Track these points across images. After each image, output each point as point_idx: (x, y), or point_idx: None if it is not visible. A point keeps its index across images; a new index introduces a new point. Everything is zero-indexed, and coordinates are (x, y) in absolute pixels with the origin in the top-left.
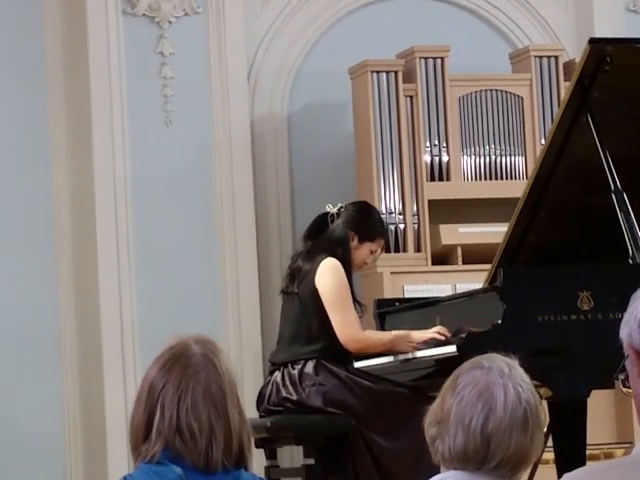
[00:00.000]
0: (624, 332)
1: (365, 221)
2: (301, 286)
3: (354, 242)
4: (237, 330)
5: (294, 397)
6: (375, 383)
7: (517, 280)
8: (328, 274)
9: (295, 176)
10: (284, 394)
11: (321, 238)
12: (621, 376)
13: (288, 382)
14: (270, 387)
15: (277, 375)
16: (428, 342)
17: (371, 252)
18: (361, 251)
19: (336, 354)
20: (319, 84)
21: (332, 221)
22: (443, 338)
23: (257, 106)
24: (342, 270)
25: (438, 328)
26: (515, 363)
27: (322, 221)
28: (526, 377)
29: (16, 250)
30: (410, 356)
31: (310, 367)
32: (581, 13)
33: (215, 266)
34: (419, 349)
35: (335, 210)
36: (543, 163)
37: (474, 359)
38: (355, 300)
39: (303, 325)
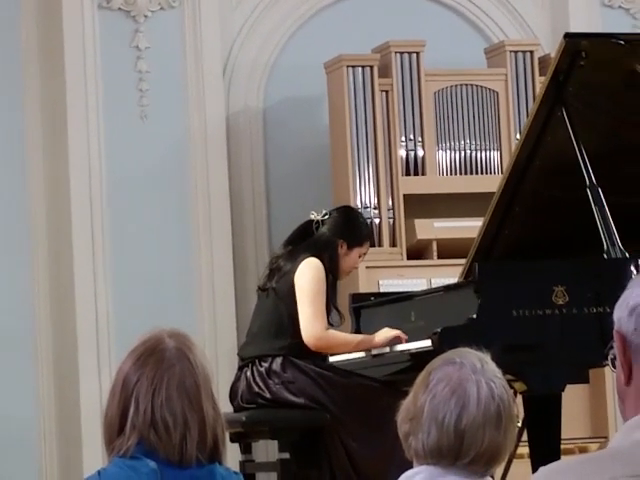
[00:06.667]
0: (615, 315)
1: (352, 227)
2: (280, 282)
3: (343, 249)
4: (212, 326)
5: (267, 395)
6: (345, 378)
7: (492, 275)
8: (308, 271)
9: (270, 170)
10: (256, 390)
11: (305, 242)
12: (610, 355)
13: (259, 379)
14: (241, 384)
15: (247, 371)
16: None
17: (359, 256)
18: (351, 257)
19: (305, 350)
20: (294, 79)
21: (317, 228)
22: (404, 342)
23: (232, 100)
24: (323, 271)
25: (397, 332)
26: (487, 358)
27: (306, 228)
28: (498, 372)
29: None
30: (385, 351)
31: (277, 364)
32: (556, 8)
33: (190, 260)
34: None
35: (320, 217)
36: (518, 158)
37: (445, 354)
38: (335, 308)
39: (274, 318)
